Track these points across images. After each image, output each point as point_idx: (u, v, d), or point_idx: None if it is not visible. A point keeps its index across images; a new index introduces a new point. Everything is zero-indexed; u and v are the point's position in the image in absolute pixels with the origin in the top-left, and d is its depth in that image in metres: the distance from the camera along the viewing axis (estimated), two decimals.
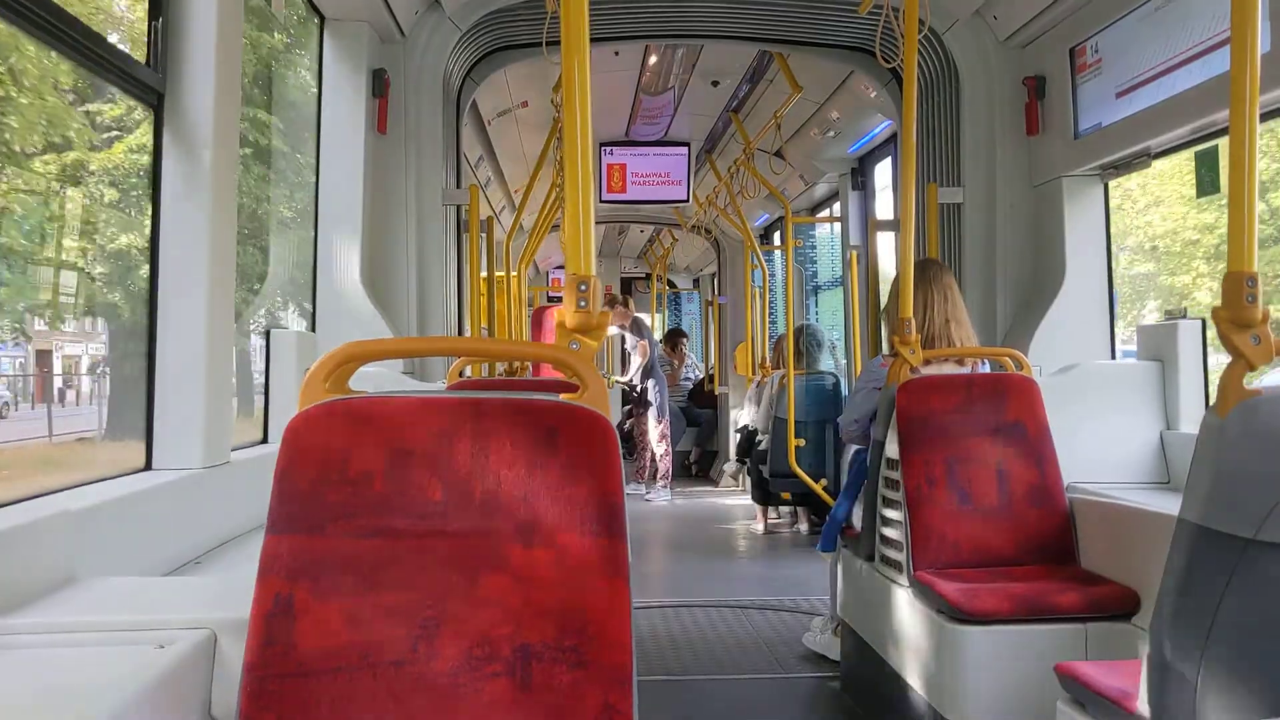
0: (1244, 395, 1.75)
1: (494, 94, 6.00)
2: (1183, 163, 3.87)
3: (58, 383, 5.45)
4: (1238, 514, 1.72)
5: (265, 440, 3.29)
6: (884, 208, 6.94)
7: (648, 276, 14.73)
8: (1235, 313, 1.81)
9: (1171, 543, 1.82)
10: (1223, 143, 3.27)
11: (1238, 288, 1.80)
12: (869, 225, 5.47)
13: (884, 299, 3.82)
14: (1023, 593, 2.75)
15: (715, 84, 6.65)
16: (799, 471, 6.33)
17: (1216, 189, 3.29)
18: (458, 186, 4.62)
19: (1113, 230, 4.13)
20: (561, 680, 1.45)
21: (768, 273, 8.82)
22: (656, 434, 8.93)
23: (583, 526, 1.50)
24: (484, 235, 5.09)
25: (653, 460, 8.96)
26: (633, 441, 9.23)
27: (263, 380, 3.25)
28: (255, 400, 3.43)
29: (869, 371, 3.71)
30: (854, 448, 3.79)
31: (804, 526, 7.09)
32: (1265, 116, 2.83)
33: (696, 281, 14.92)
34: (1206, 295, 5.41)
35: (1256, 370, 1.80)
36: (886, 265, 4.63)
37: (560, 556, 1.49)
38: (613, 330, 9.67)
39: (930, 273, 3.52)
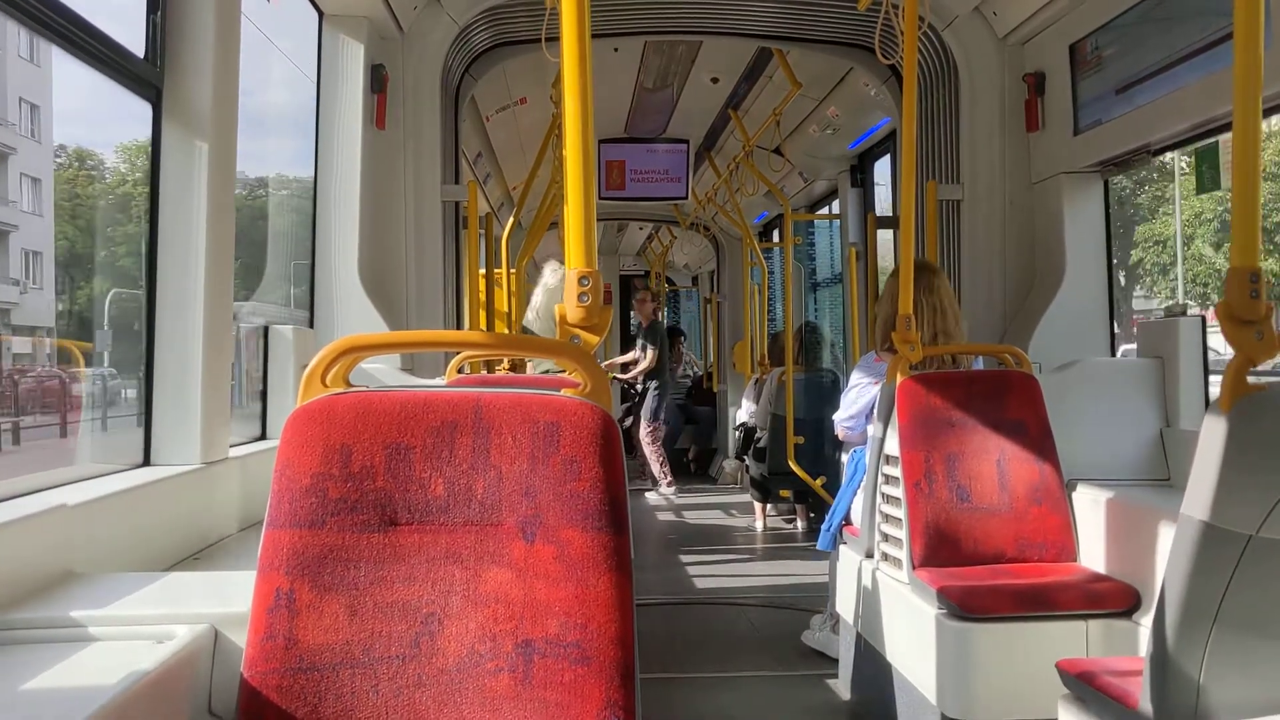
0: (1247, 390, 1.75)
1: (493, 90, 5.98)
2: None
3: None
4: (1240, 510, 1.71)
5: (264, 436, 3.28)
6: (883, 205, 6.94)
7: (647, 274, 14.71)
8: (1238, 308, 1.80)
9: (1174, 539, 1.81)
10: (1223, 139, 3.27)
11: (1241, 283, 1.80)
12: (868, 222, 5.47)
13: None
14: (1023, 589, 2.75)
15: (714, 81, 6.63)
16: (797, 469, 6.31)
17: (1217, 185, 3.28)
18: (456, 183, 4.60)
19: None
20: (564, 676, 1.44)
21: (767, 270, 8.81)
22: (646, 434, 8.92)
23: (585, 521, 1.49)
24: (482, 232, 5.07)
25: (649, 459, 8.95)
26: (632, 440, 9.22)
27: None
28: None
29: (863, 368, 3.69)
30: (854, 444, 3.78)
31: (802, 524, 7.08)
32: (1268, 112, 2.82)
33: (695, 279, 14.89)
34: None
35: (1259, 365, 1.80)
36: (886, 262, 4.62)
37: (562, 551, 1.48)
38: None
39: (924, 281, 3.38)
